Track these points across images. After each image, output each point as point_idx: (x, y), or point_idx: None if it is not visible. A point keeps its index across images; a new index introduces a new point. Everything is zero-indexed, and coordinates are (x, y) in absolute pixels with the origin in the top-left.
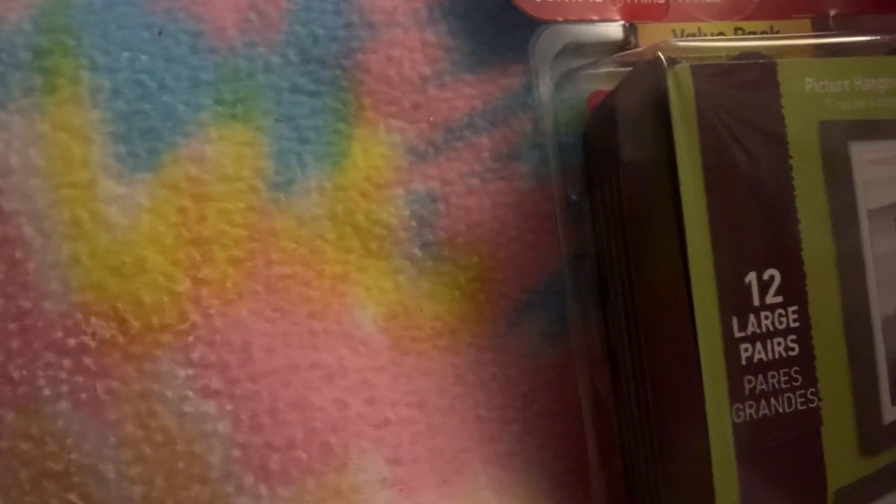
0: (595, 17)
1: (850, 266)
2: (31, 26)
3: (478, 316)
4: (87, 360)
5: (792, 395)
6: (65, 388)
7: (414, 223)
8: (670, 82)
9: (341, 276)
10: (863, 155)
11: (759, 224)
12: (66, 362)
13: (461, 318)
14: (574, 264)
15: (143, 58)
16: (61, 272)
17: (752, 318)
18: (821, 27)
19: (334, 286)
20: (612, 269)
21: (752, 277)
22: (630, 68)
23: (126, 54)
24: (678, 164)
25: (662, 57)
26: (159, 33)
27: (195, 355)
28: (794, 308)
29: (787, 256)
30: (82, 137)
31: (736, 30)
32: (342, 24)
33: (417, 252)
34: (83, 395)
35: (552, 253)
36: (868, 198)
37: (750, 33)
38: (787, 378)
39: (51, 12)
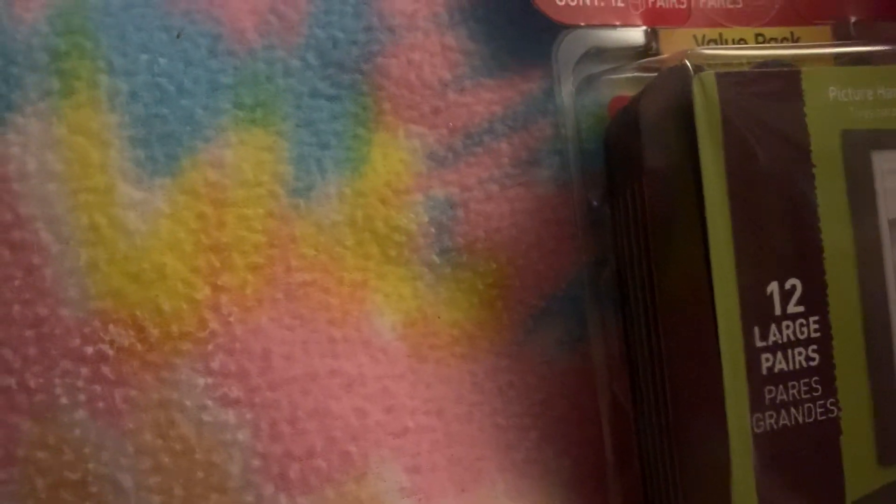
0: (617, 23)
1: (871, 276)
2: (47, 28)
3: (496, 323)
4: (105, 369)
5: (812, 405)
6: (82, 397)
7: (433, 229)
8: (696, 89)
9: (360, 282)
10: (884, 164)
11: (782, 233)
12: (84, 370)
13: (479, 325)
14: (593, 271)
15: (162, 61)
16: (79, 279)
17: (773, 327)
18: (841, 33)
19: (353, 293)
20: (633, 276)
21: (774, 287)
22: (653, 74)
23: (144, 57)
24: (702, 171)
25: (689, 64)
26: (178, 35)
27: (214, 364)
28: (816, 318)
29: (809, 266)
30: (100, 142)
31: (757, 35)
32: (362, 27)
33: (436, 259)
34: (101, 404)
35: (571, 259)
36: (889, 207)
37: (771, 39)
38: (807, 388)
39: (68, 14)
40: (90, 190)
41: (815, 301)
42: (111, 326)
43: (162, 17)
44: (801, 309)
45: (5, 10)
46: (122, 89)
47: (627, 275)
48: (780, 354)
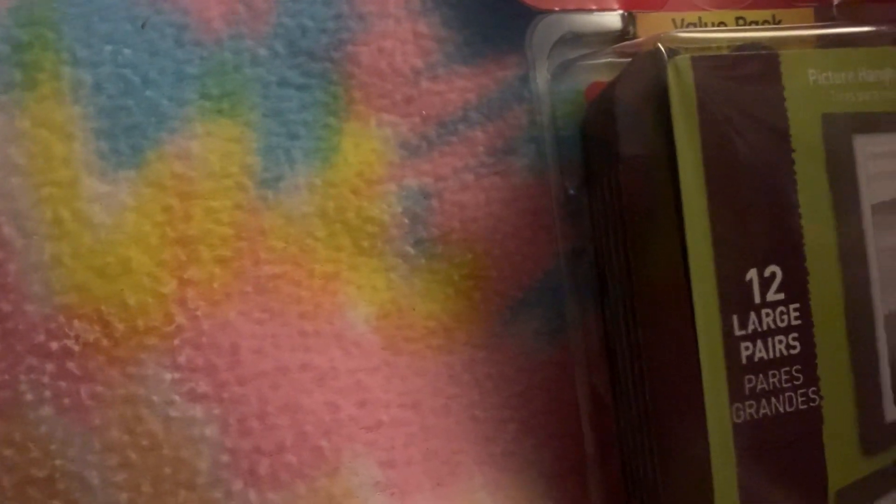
0: (593, 7)
1: (853, 262)
2: (9, 20)
3: (472, 314)
4: (71, 364)
5: (793, 394)
6: (48, 393)
7: (406, 220)
8: (671, 74)
9: (332, 274)
10: (866, 148)
11: (761, 219)
12: (49, 366)
13: (455, 317)
14: (572, 260)
15: (127, 51)
16: (43, 273)
17: (752, 315)
18: (824, 16)
19: (325, 285)
20: (611, 265)
21: (753, 274)
22: (629, 59)
23: (109, 48)
24: (678, 157)
25: (662, 48)
26: (143, 25)
27: (181, 358)
28: (796, 306)
29: (789, 253)
30: (64, 134)
31: (737, 19)
32: (332, 15)
33: (410, 249)
34: (67, 400)
35: (549, 249)
36: (871, 192)
37: (752, 22)
38: (787, 377)
39: (30, 5)
40: (54, 183)
41: (796, 288)
42: (76, 322)
43: (127, 7)
44: (781, 296)
45: None
46: (85, 81)
47: (605, 264)
48: (759, 343)
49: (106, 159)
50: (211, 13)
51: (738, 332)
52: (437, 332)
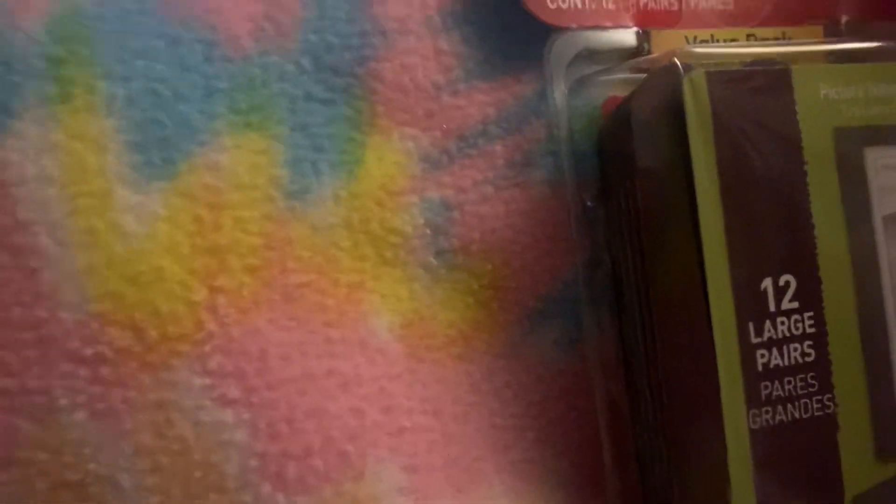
0: (609, 24)
1: (866, 271)
2: (45, 36)
3: (492, 324)
4: (104, 370)
5: (808, 401)
6: (82, 398)
7: (428, 231)
8: (686, 88)
9: (357, 284)
10: (877, 160)
11: (775, 230)
12: (83, 372)
13: (475, 326)
14: (589, 271)
15: (158, 67)
16: (78, 282)
17: (768, 323)
18: (833, 33)
19: (350, 294)
20: (628, 275)
21: (767, 283)
22: (645, 75)
23: (141, 63)
24: (694, 170)
25: (678, 63)
26: (173, 42)
27: (212, 364)
28: (810, 314)
29: (803, 262)
30: (97, 146)
31: (748, 36)
32: (356, 32)
33: (432, 260)
34: (100, 405)
35: (567, 260)
36: (883, 203)
37: (763, 40)
38: (803, 384)
39: (65, 21)
40: (88, 194)
41: (810, 297)
42: (110, 328)
43: (159, 24)
44: (795, 305)
45: (4, 19)
46: (118, 95)
47: (622, 275)
48: (775, 350)
49: (138, 171)
50: (239, 30)
51: (754, 340)
52: (457, 340)
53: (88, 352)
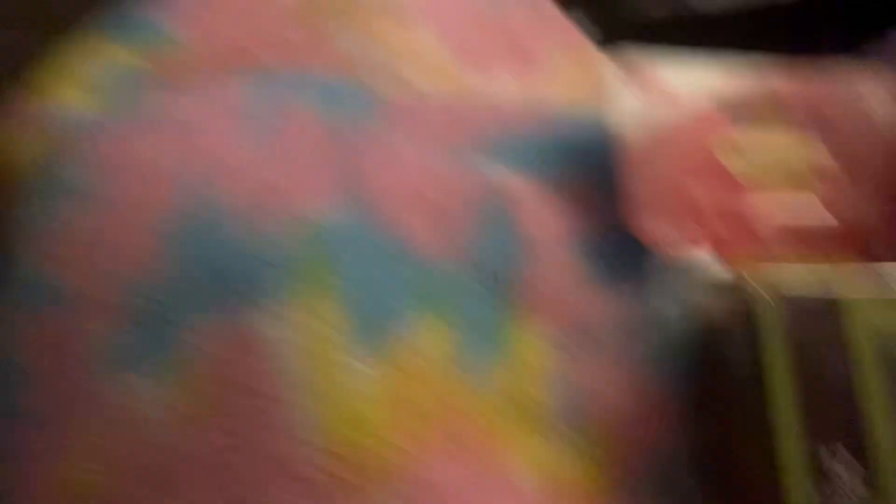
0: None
1: None
2: (297, 246)
3: (610, 485)
4: (317, 491)
5: None
6: None
7: (564, 405)
8: (763, 308)
9: (508, 444)
10: None
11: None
12: (297, 486)
13: (597, 486)
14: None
15: (375, 270)
16: (309, 423)
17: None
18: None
19: (503, 452)
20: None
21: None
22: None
23: (362, 266)
24: (772, 373)
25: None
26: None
27: (399, 496)
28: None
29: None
30: (329, 326)
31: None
32: (508, 244)
33: (566, 429)
34: None
35: (671, 437)
36: None
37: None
38: None
39: (308, 236)
40: (322, 360)
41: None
42: (326, 458)
43: (375, 244)
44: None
45: (268, 230)
46: (345, 289)
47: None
48: None
49: (358, 345)
50: (425, 240)
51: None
52: (581, 499)
53: (307, 473)
